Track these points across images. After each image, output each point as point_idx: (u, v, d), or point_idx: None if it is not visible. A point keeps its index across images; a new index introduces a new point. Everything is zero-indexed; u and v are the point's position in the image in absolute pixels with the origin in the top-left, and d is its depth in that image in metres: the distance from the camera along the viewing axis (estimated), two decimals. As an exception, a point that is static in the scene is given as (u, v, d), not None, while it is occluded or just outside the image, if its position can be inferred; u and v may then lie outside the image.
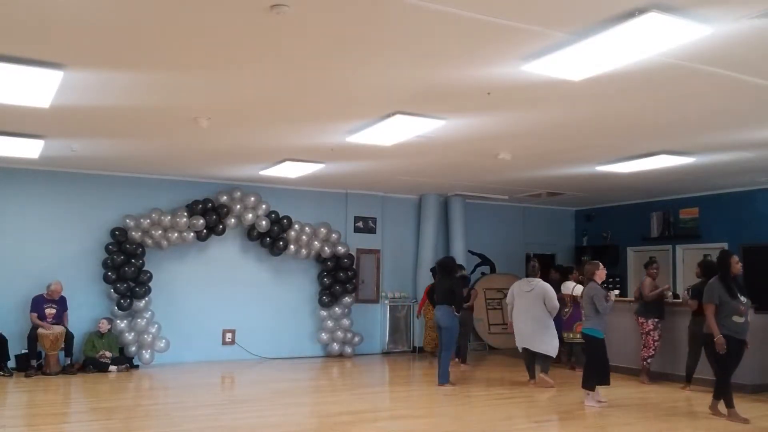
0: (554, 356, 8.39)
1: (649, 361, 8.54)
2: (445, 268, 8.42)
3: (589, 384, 7.01)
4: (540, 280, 8.51)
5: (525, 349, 8.44)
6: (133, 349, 9.45)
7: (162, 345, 9.61)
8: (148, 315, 9.58)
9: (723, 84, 5.14)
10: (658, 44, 4.17)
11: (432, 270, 10.51)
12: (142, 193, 9.94)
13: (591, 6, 3.75)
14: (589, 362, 7.09)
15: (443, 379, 8.12)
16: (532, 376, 8.43)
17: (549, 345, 8.23)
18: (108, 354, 9.12)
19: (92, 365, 8.96)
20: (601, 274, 7.13)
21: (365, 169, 9.37)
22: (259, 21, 4.01)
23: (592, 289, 7.04)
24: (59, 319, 8.96)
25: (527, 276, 8.84)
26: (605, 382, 7.04)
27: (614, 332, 9.50)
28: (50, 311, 8.90)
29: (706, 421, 6.47)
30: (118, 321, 9.43)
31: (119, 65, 4.95)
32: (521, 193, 11.60)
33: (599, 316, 6.98)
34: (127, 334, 9.40)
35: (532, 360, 8.43)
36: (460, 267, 10.50)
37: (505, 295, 11.61)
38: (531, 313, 8.26)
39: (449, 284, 8.22)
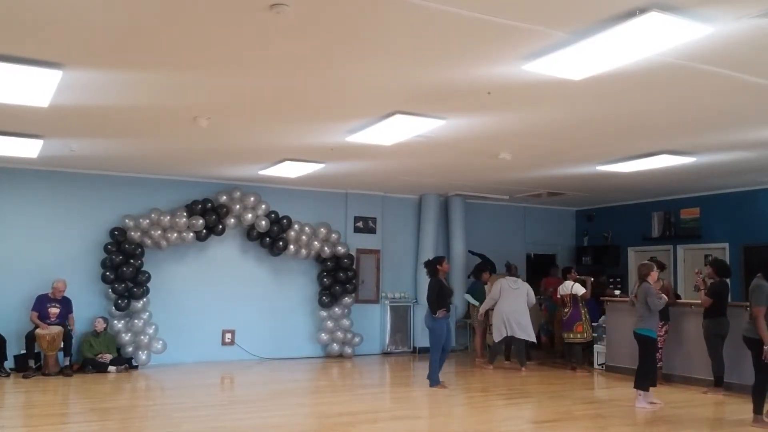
0: (535, 341, 10.10)
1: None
2: (427, 268, 8.44)
3: (642, 384, 6.99)
4: (520, 279, 10.07)
5: (504, 339, 9.76)
6: (130, 349, 9.42)
7: (159, 346, 9.56)
8: (145, 316, 9.55)
9: (724, 84, 5.12)
10: (659, 44, 4.16)
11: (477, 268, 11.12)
12: (142, 193, 9.92)
13: (592, 5, 3.74)
14: (643, 362, 7.07)
15: (432, 381, 8.08)
16: (508, 357, 10.27)
17: (531, 334, 9.73)
18: (108, 356, 9.10)
19: (91, 366, 8.94)
20: (655, 275, 7.14)
21: (365, 169, 9.35)
22: (259, 20, 4.00)
23: (646, 289, 7.03)
24: (62, 319, 8.91)
25: (510, 276, 10.11)
26: (653, 383, 7.10)
27: (615, 333, 9.52)
28: (54, 311, 8.87)
29: (707, 422, 6.46)
30: (116, 321, 9.41)
31: (118, 65, 4.93)
32: (522, 193, 11.58)
33: (651, 317, 7.01)
34: (123, 335, 9.38)
35: (509, 349, 10.16)
36: (479, 268, 10.94)
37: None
38: (518, 307, 9.64)
39: (429, 285, 8.28)
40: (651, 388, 7.09)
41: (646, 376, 7.01)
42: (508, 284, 9.82)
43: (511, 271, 10.24)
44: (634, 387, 7.07)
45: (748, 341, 6.34)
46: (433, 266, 8.32)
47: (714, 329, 7.79)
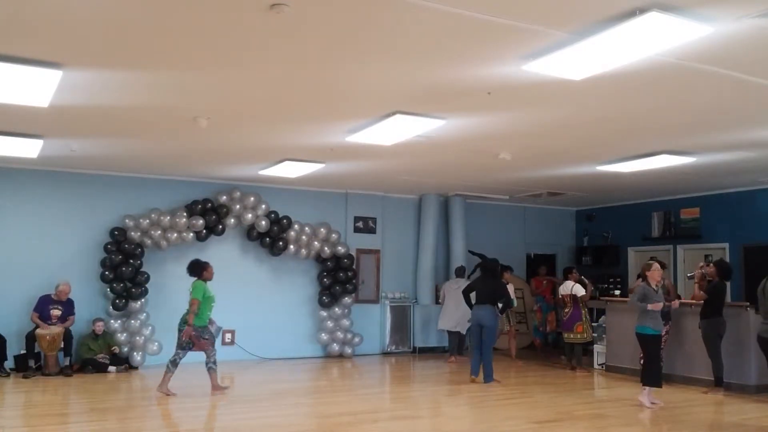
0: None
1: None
2: (490, 270, 8.84)
3: (646, 381, 7.03)
4: (462, 279, 10.65)
5: (451, 333, 10.68)
6: (125, 349, 9.39)
7: (154, 348, 9.49)
8: (142, 317, 9.52)
9: (724, 84, 5.12)
10: (659, 44, 4.16)
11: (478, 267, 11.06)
12: (142, 193, 9.92)
13: (592, 5, 3.74)
14: (645, 359, 7.14)
15: (488, 377, 8.31)
16: (460, 353, 10.64)
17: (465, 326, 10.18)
18: (108, 354, 9.09)
19: (91, 366, 8.93)
20: (653, 274, 7.12)
21: (365, 169, 9.35)
22: (259, 21, 4.00)
23: (639, 288, 7.13)
24: (63, 321, 8.87)
25: (456, 277, 10.88)
26: (658, 382, 7.08)
27: (615, 333, 9.52)
28: (55, 312, 8.86)
29: (707, 422, 6.46)
30: (112, 321, 9.37)
31: (118, 65, 4.93)
32: (522, 193, 11.58)
33: (646, 315, 7.03)
34: (119, 335, 9.35)
35: (457, 342, 10.67)
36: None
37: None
38: (461, 305, 9.74)
39: (493, 285, 8.57)
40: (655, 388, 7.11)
41: (650, 372, 7.03)
42: (450, 285, 10.80)
43: (456, 273, 11.01)
44: (641, 383, 7.11)
45: (763, 341, 6.31)
46: (495, 269, 8.89)
47: (712, 329, 7.81)
